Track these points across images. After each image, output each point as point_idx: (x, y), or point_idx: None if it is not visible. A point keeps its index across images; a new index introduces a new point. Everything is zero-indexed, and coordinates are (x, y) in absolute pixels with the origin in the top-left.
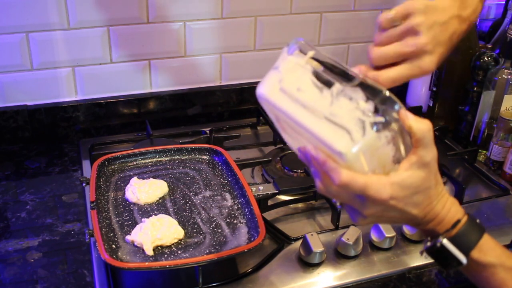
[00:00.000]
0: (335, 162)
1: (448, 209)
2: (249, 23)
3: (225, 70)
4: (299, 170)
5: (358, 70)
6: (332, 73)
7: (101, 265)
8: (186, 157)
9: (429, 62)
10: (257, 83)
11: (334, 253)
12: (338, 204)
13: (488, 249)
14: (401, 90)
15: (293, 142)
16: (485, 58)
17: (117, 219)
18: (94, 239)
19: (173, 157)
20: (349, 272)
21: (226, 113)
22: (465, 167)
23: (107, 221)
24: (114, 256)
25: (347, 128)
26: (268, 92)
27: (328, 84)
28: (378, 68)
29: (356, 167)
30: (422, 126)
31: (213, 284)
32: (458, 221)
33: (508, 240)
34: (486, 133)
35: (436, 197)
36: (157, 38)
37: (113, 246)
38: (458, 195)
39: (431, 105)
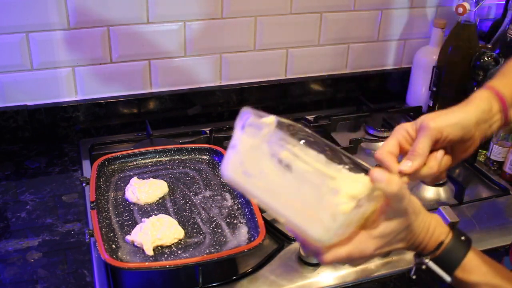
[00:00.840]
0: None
1: (432, 233)
2: (249, 23)
3: (225, 70)
4: None
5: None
6: (292, 154)
7: (101, 265)
8: (186, 157)
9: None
10: (257, 83)
11: None
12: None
13: (472, 268)
14: (401, 91)
15: (278, 218)
16: (485, 58)
17: (117, 219)
18: (94, 239)
19: (173, 157)
20: (349, 272)
21: (226, 113)
22: (465, 167)
23: (107, 221)
24: (114, 256)
25: (318, 217)
26: (233, 175)
27: (288, 166)
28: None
29: (336, 240)
30: (391, 188)
31: (213, 284)
32: (441, 243)
33: (509, 240)
34: None
35: (418, 228)
36: (157, 38)
37: (113, 246)
38: (458, 195)
39: (431, 105)
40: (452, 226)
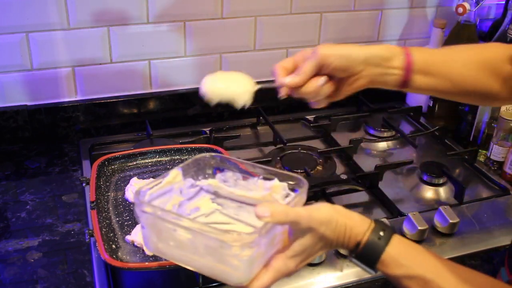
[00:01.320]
0: None
1: (349, 235)
2: (249, 23)
3: (225, 70)
4: (299, 170)
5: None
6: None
7: (101, 265)
8: (186, 157)
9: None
10: (257, 83)
11: (334, 253)
12: None
13: (390, 263)
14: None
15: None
16: None
17: (117, 219)
18: (94, 239)
19: (173, 157)
20: (349, 272)
21: (226, 113)
22: (465, 167)
23: (107, 221)
24: (114, 256)
25: (227, 266)
26: (154, 250)
27: (189, 231)
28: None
29: (255, 273)
30: (279, 219)
31: (213, 284)
32: (358, 243)
33: (508, 240)
34: (486, 133)
35: (333, 234)
36: (157, 38)
37: (113, 246)
38: (458, 195)
39: (431, 105)
40: (376, 221)
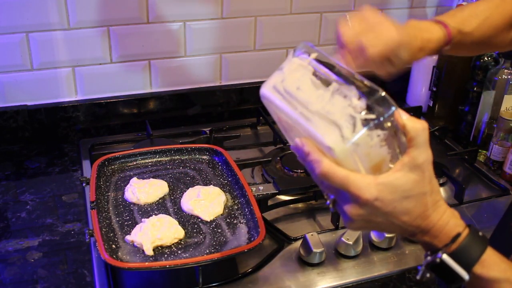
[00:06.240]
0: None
1: (446, 221)
2: (249, 23)
3: (225, 70)
4: (299, 170)
5: (341, 57)
6: (332, 73)
7: (101, 265)
8: (186, 157)
9: (392, 27)
10: (257, 83)
11: (334, 253)
12: (330, 206)
13: (491, 264)
14: (401, 91)
15: (293, 142)
16: (485, 58)
17: (117, 219)
18: (94, 239)
19: (173, 157)
20: (349, 272)
21: (226, 113)
22: (465, 167)
23: (107, 221)
24: (114, 256)
25: (338, 124)
26: (270, 91)
27: (326, 84)
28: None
29: (347, 164)
30: (416, 125)
31: (213, 284)
32: (458, 235)
33: None
34: (486, 133)
35: (432, 206)
36: (157, 38)
37: (113, 246)
38: (458, 195)
39: (431, 105)
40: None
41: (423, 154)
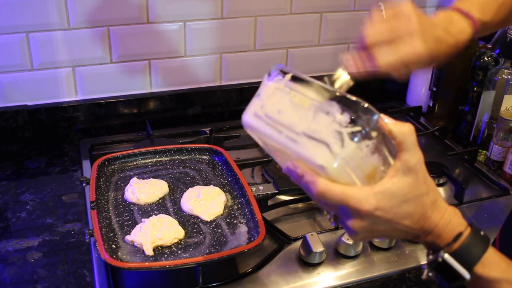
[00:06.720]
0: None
1: (448, 220)
2: (249, 23)
3: (225, 70)
4: None
5: (351, 58)
6: (310, 91)
7: (101, 265)
8: (186, 157)
9: (419, 43)
10: (257, 83)
11: (334, 253)
12: (332, 221)
13: (492, 264)
14: (401, 91)
15: (283, 164)
16: (485, 58)
17: (117, 219)
18: (94, 239)
19: (173, 157)
20: (349, 272)
21: (226, 113)
22: (465, 167)
23: (107, 221)
24: (114, 256)
25: (326, 142)
26: (252, 118)
27: (304, 104)
28: (367, 52)
29: (342, 179)
30: (402, 129)
31: (213, 284)
32: (459, 234)
33: None
34: (486, 133)
35: (431, 205)
36: (157, 38)
37: (113, 246)
38: (458, 195)
39: (431, 105)
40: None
41: (414, 156)
